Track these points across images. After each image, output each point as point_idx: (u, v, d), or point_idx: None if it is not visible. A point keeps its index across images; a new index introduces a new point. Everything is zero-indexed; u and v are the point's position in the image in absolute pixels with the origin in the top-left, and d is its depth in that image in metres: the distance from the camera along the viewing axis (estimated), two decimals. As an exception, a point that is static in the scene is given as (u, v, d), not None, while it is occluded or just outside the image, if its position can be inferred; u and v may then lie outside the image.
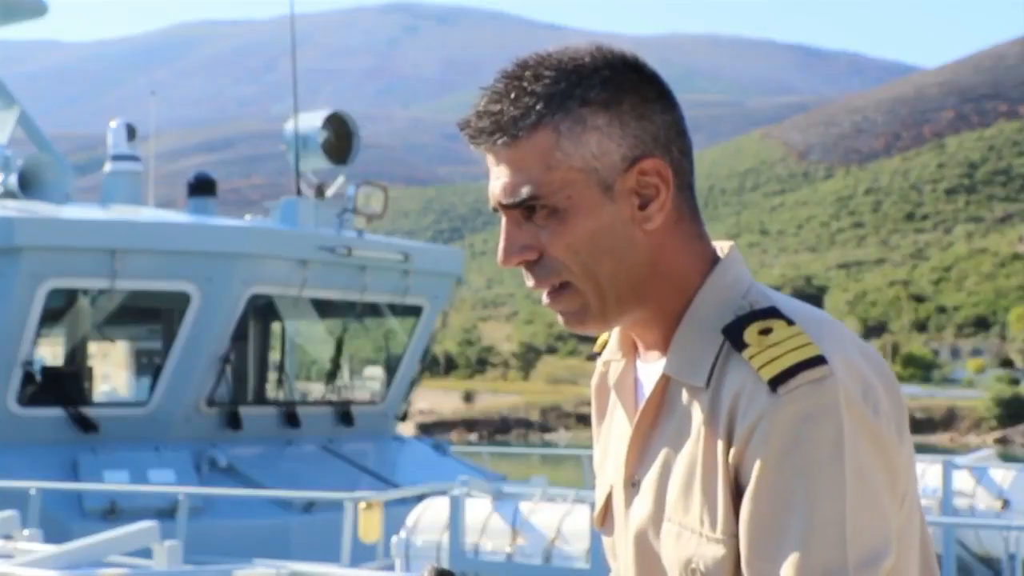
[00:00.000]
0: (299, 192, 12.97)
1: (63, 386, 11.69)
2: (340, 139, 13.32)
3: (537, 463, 30.10)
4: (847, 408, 1.46)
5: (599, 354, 1.80)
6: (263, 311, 13.06)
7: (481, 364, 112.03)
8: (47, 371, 11.64)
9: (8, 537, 7.54)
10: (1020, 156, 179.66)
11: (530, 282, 1.59)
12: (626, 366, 1.68)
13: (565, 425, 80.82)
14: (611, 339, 1.72)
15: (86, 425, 11.24)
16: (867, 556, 1.44)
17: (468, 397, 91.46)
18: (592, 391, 1.81)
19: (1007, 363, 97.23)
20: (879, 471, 1.47)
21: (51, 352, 13.02)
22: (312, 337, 14.60)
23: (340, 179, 13.20)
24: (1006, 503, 9.80)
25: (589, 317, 1.59)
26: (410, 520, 8.13)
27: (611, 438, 1.72)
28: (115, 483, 10.55)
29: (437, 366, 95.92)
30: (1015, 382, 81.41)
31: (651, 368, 1.63)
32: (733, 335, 1.53)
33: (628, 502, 1.62)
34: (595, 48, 1.58)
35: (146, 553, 7.37)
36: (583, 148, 1.54)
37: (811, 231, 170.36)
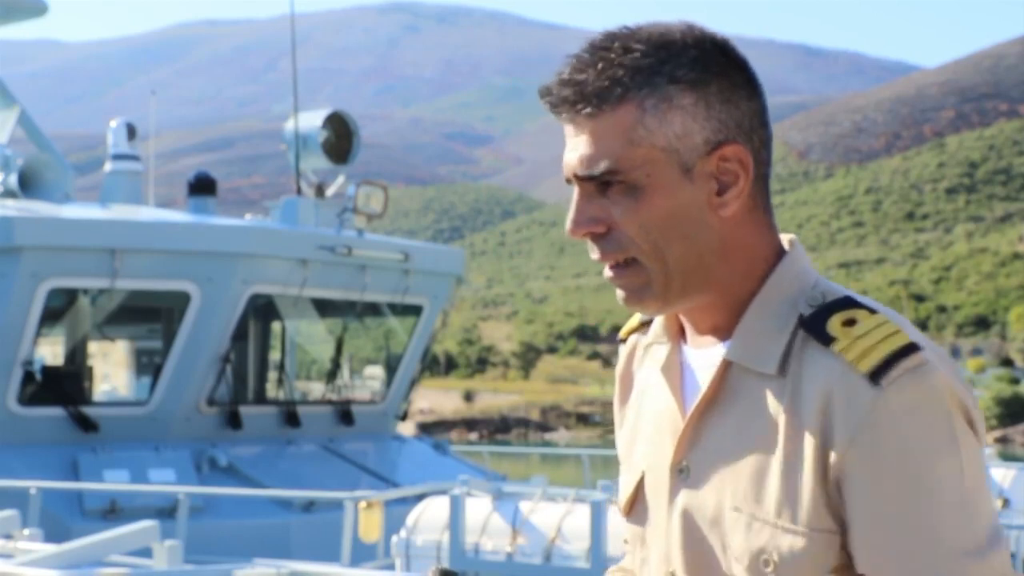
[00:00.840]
0: (299, 192, 12.98)
1: (63, 386, 11.69)
2: (340, 139, 13.33)
3: (537, 463, 30.13)
4: (948, 394, 1.45)
5: (624, 341, 1.77)
6: (263, 311, 13.06)
7: (481, 364, 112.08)
8: (47, 371, 11.65)
9: (8, 537, 7.53)
10: (1020, 155, 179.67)
11: (595, 255, 1.57)
12: (672, 350, 1.63)
13: (565, 424, 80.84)
14: (655, 322, 1.69)
15: (86, 425, 11.24)
16: (993, 534, 1.45)
17: (468, 396, 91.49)
18: (616, 376, 1.78)
19: (1007, 362, 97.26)
20: (976, 454, 1.48)
21: (51, 352, 13.02)
22: (312, 337, 14.60)
23: (340, 179, 13.21)
24: (1006, 502, 9.80)
25: (649, 296, 1.56)
26: (410, 520, 8.12)
27: (641, 423, 1.69)
28: (115, 483, 10.55)
29: (437, 366, 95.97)
30: (1015, 381, 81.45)
31: (702, 353, 1.59)
32: (815, 328, 1.51)
33: (675, 488, 1.58)
34: (686, 26, 1.55)
35: (146, 553, 7.36)
36: (667, 127, 1.51)
37: (811, 230, 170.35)
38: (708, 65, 1.53)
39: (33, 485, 9.17)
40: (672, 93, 1.51)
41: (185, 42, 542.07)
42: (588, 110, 1.52)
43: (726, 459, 1.53)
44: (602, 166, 1.52)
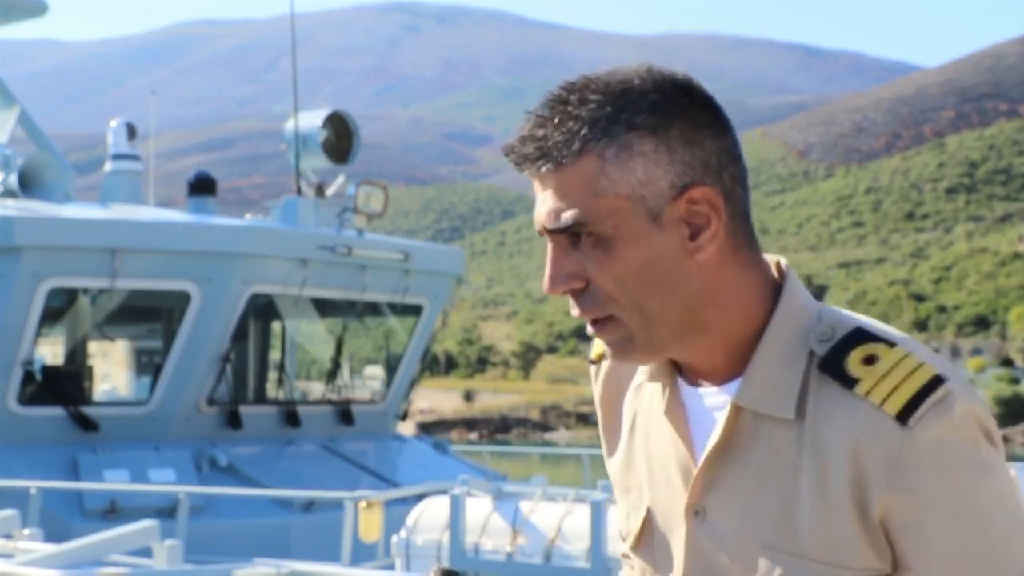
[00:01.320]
0: (299, 191, 12.98)
1: (63, 385, 11.69)
2: (340, 138, 13.33)
3: (537, 462, 30.10)
4: (972, 421, 1.46)
5: (596, 362, 1.74)
6: (263, 310, 13.06)
7: (481, 363, 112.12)
8: (47, 370, 11.64)
9: (8, 537, 7.53)
10: (1020, 155, 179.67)
11: (575, 311, 1.54)
12: (672, 390, 1.61)
13: (565, 424, 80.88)
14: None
15: (86, 424, 11.24)
16: None
17: (468, 396, 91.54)
18: (598, 401, 1.75)
19: (1007, 362, 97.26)
20: (1006, 473, 1.49)
21: (51, 351, 13.02)
22: (312, 336, 14.60)
23: (340, 178, 13.21)
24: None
25: (634, 349, 1.54)
26: (410, 519, 8.11)
27: (638, 456, 1.68)
28: (115, 482, 10.55)
29: (437, 365, 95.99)
30: (1015, 381, 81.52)
31: (705, 393, 1.58)
32: (834, 370, 1.49)
33: (692, 528, 1.58)
34: (645, 70, 1.53)
35: (146, 552, 7.36)
36: (629, 175, 1.49)
37: (811, 230, 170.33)
38: (668, 108, 1.50)
39: (33, 485, 9.17)
40: (632, 141, 1.49)
41: (185, 42, 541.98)
42: (549, 166, 1.50)
43: (746, 502, 1.53)
44: (568, 218, 1.50)
